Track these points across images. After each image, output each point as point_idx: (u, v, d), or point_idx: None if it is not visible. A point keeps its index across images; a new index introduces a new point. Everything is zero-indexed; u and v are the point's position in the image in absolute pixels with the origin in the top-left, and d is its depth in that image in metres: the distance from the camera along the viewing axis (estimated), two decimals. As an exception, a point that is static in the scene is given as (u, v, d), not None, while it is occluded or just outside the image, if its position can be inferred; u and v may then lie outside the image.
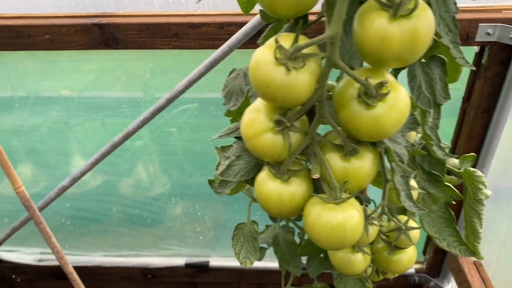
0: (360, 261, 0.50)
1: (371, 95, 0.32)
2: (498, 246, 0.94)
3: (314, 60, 0.31)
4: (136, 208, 1.13)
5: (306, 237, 0.61)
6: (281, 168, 0.36)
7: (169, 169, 1.13)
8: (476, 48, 0.86)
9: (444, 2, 0.40)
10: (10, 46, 0.89)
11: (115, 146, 0.91)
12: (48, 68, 1.06)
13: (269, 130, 0.34)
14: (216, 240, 1.16)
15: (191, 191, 1.12)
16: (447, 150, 0.47)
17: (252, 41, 0.82)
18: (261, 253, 0.61)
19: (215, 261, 1.13)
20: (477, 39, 0.83)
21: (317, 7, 0.36)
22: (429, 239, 1.09)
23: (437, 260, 1.09)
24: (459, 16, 0.54)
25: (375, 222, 0.46)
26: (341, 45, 0.36)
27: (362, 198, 0.50)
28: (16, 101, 1.10)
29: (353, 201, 0.35)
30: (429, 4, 0.35)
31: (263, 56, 0.31)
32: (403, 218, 0.52)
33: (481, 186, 0.55)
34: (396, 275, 0.60)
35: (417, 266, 1.12)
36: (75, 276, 0.69)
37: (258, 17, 0.77)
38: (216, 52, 0.82)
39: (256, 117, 0.35)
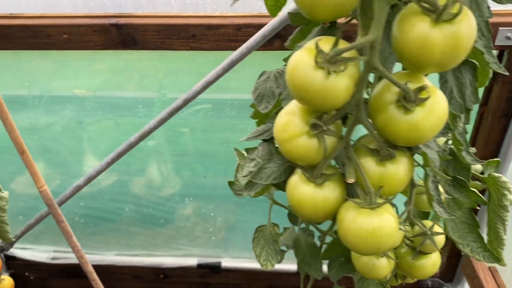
0: (384, 265, 0.50)
1: (409, 100, 0.31)
2: (514, 252, 0.93)
3: (354, 64, 0.31)
4: (149, 207, 1.13)
5: (327, 240, 0.61)
6: (314, 172, 0.35)
7: (182, 169, 1.13)
8: (495, 52, 0.86)
9: (478, 6, 0.40)
10: (28, 45, 0.90)
11: (131, 146, 0.92)
12: (61, 67, 1.06)
13: (304, 134, 0.34)
14: (228, 241, 1.16)
15: (204, 192, 1.13)
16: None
17: (269, 43, 0.82)
18: (280, 256, 0.61)
19: (227, 262, 1.13)
20: (497, 43, 0.82)
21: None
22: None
23: (451, 265, 1.08)
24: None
25: (401, 227, 0.46)
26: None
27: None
28: (30, 99, 1.11)
29: (388, 206, 0.35)
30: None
31: (302, 59, 0.31)
32: (427, 223, 0.52)
33: (506, 192, 0.55)
34: (415, 279, 0.60)
35: (430, 270, 1.11)
36: (94, 276, 0.69)
37: (277, 18, 0.77)
38: (234, 54, 0.82)
39: (291, 120, 0.35)
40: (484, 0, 0.38)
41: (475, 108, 0.94)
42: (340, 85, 0.31)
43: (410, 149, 0.35)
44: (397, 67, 0.37)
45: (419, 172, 0.46)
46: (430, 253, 0.52)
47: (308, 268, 0.58)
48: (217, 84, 0.85)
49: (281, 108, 0.45)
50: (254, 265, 1.14)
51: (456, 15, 0.29)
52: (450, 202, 0.54)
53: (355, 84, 0.32)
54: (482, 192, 0.54)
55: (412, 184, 0.46)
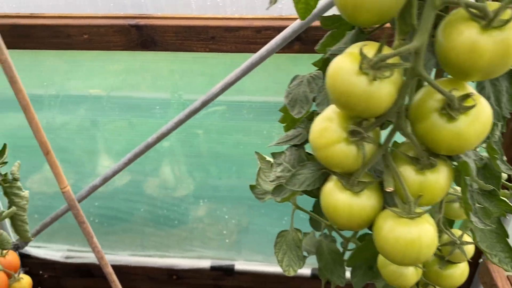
0: (412, 274, 0.49)
1: (454, 108, 0.31)
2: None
3: (397, 70, 0.31)
4: (164, 208, 1.13)
5: (349, 247, 0.60)
6: (351, 179, 0.35)
7: (196, 171, 1.13)
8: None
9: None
10: (49, 45, 0.90)
11: (148, 147, 0.91)
12: (75, 67, 1.07)
13: (342, 140, 0.33)
14: (241, 243, 1.15)
15: (219, 194, 1.12)
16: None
17: (288, 46, 0.81)
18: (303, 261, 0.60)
19: (240, 265, 1.13)
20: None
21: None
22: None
23: (468, 273, 1.06)
24: None
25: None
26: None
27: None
28: (46, 98, 1.12)
29: (427, 215, 0.34)
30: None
31: (344, 64, 0.30)
32: (456, 232, 0.51)
33: (535, 201, 0.54)
34: (437, 288, 0.59)
35: (446, 278, 1.09)
36: (114, 277, 0.69)
37: (298, 21, 0.77)
38: (254, 56, 0.81)
39: (328, 126, 0.34)
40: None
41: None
42: (383, 91, 0.30)
43: (451, 158, 0.35)
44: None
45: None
46: (458, 262, 0.51)
47: (331, 274, 0.57)
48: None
49: (312, 113, 0.45)
50: (267, 268, 1.13)
51: (507, 21, 0.28)
52: (479, 211, 0.53)
53: (398, 90, 0.31)
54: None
55: (443, 192, 0.45)
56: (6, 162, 0.68)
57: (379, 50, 0.30)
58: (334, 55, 0.41)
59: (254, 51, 0.81)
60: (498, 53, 0.29)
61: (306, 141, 0.44)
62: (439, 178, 0.34)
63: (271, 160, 0.64)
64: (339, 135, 0.33)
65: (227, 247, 1.15)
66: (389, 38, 0.37)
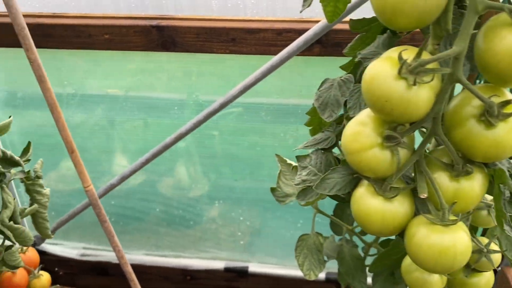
0: (436, 281, 0.48)
1: (493, 115, 0.30)
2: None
3: (436, 75, 0.30)
4: (179, 209, 1.14)
5: (371, 252, 0.59)
6: (384, 185, 0.34)
7: (211, 172, 1.13)
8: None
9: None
10: (70, 44, 0.91)
11: (166, 147, 0.92)
12: (93, 67, 1.08)
13: (376, 146, 0.33)
14: (256, 245, 1.15)
15: (234, 195, 1.12)
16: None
17: (308, 48, 0.81)
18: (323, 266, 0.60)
19: (254, 267, 1.13)
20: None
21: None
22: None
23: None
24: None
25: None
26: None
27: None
28: (65, 97, 1.13)
29: (461, 223, 0.34)
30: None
31: (382, 69, 0.30)
32: (482, 240, 0.50)
33: None
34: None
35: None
36: (133, 277, 0.69)
37: (320, 24, 0.77)
38: (274, 58, 0.81)
39: (362, 131, 0.34)
40: None
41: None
42: (422, 96, 0.30)
43: (487, 165, 0.34)
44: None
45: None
46: (484, 271, 0.50)
47: (352, 280, 0.57)
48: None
49: (340, 117, 0.44)
50: (281, 271, 1.13)
51: (552, 27, 0.27)
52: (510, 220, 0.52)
53: (436, 96, 0.31)
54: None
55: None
56: (29, 160, 0.69)
57: (419, 55, 0.30)
58: (365, 58, 0.41)
59: (275, 53, 0.81)
60: (541, 60, 0.28)
61: (334, 145, 0.44)
62: (474, 186, 0.33)
63: (292, 163, 0.64)
64: (374, 140, 0.33)
65: (241, 248, 1.15)
66: (411, 42, 0.36)
